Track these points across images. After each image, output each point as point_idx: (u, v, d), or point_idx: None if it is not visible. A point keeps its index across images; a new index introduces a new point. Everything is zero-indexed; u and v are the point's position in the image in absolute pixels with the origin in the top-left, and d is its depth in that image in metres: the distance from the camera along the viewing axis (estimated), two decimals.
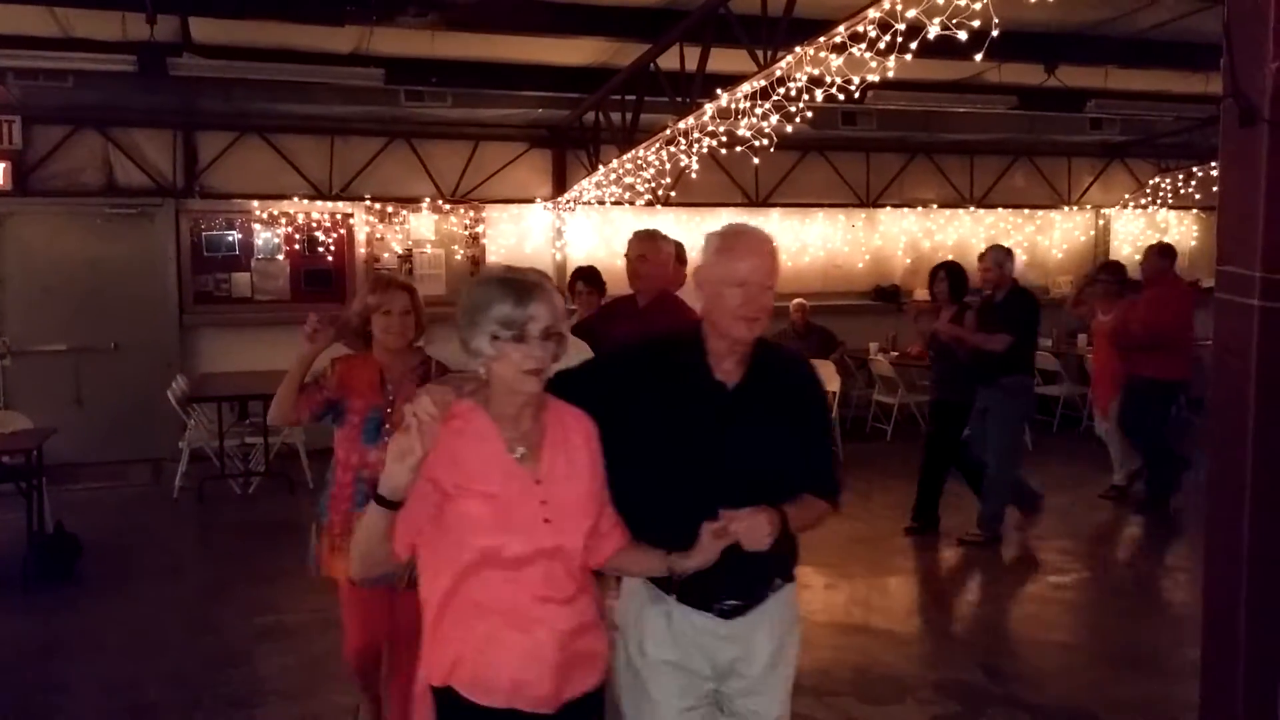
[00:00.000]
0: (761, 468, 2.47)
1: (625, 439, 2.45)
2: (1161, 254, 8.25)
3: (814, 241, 12.27)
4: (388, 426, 3.68)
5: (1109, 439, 8.70)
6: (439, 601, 2.30)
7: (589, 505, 2.37)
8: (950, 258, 8.62)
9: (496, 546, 2.23)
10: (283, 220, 10.55)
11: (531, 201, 11.36)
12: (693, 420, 2.50)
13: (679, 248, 5.57)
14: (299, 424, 3.83)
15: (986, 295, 7.32)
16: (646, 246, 4.98)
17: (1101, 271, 9.00)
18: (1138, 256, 13.27)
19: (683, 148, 7.77)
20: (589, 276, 6.84)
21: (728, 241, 2.54)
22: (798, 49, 5.60)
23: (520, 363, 2.21)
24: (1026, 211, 13.24)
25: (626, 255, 5.03)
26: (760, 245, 2.53)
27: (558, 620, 2.30)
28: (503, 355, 2.22)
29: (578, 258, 10.88)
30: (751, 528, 2.32)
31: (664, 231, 5.18)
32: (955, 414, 7.30)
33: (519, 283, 2.25)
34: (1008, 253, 7.37)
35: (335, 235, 10.72)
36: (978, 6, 4.63)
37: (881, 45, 5.10)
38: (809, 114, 6.36)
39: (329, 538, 3.78)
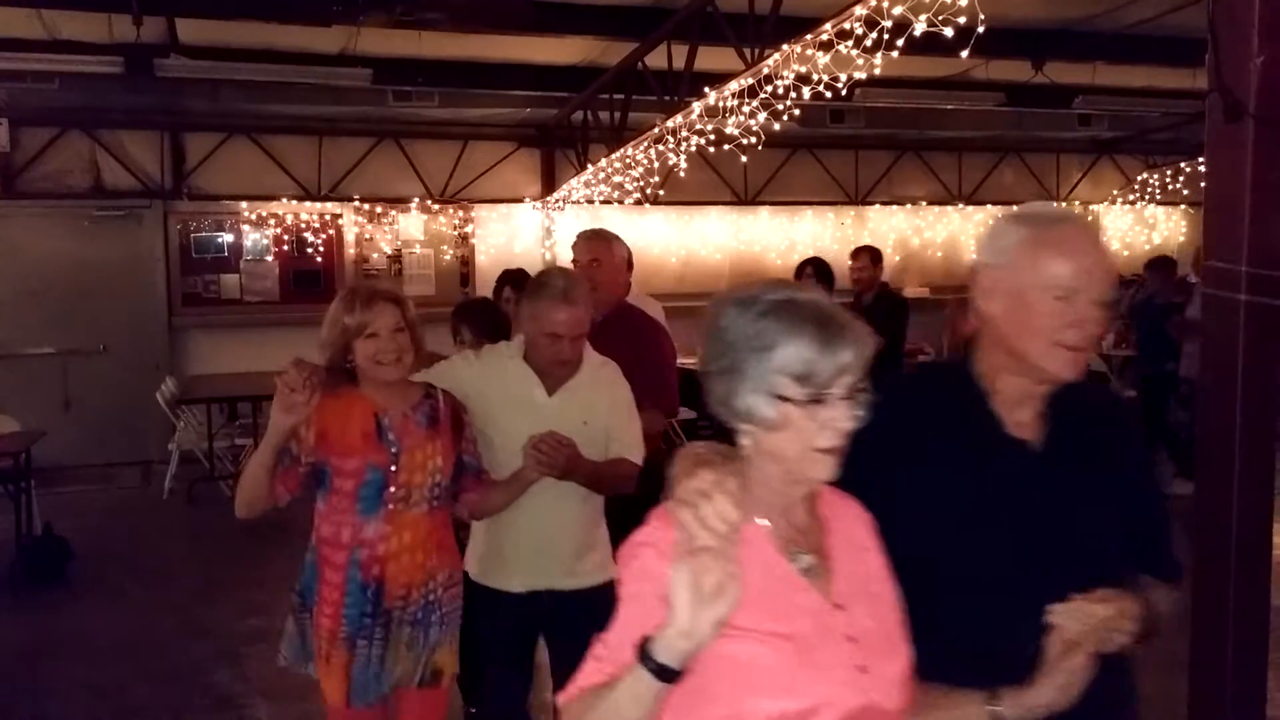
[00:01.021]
0: (1087, 555, 1.73)
1: (884, 529, 1.69)
2: None
3: (803, 240, 12.26)
4: (393, 489, 2.88)
5: None
6: None
7: (901, 638, 1.60)
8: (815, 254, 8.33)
9: (799, 714, 1.45)
10: (271, 221, 10.52)
11: (520, 201, 11.35)
12: (986, 496, 1.77)
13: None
14: (277, 505, 2.89)
15: (855, 297, 7.14)
16: (599, 249, 4.29)
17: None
18: (1125, 253, 13.43)
19: (671, 146, 7.77)
20: (519, 282, 5.27)
21: (1043, 231, 1.77)
22: (785, 47, 5.60)
23: (815, 436, 1.48)
24: (1015, 208, 13.21)
25: (575, 260, 4.32)
26: (1092, 239, 1.78)
27: None
28: (789, 423, 1.47)
29: (568, 258, 10.86)
30: (1120, 615, 1.60)
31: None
32: None
33: (823, 314, 1.49)
34: (879, 254, 7.23)
35: (324, 236, 10.70)
36: (963, 3, 4.64)
37: (868, 42, 5.10)
38: (797, 112, 6.36)
39: (319, 642, 2.93)
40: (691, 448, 1.60)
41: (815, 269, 7.06)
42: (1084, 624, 1.57)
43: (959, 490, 1.78)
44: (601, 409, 3.22)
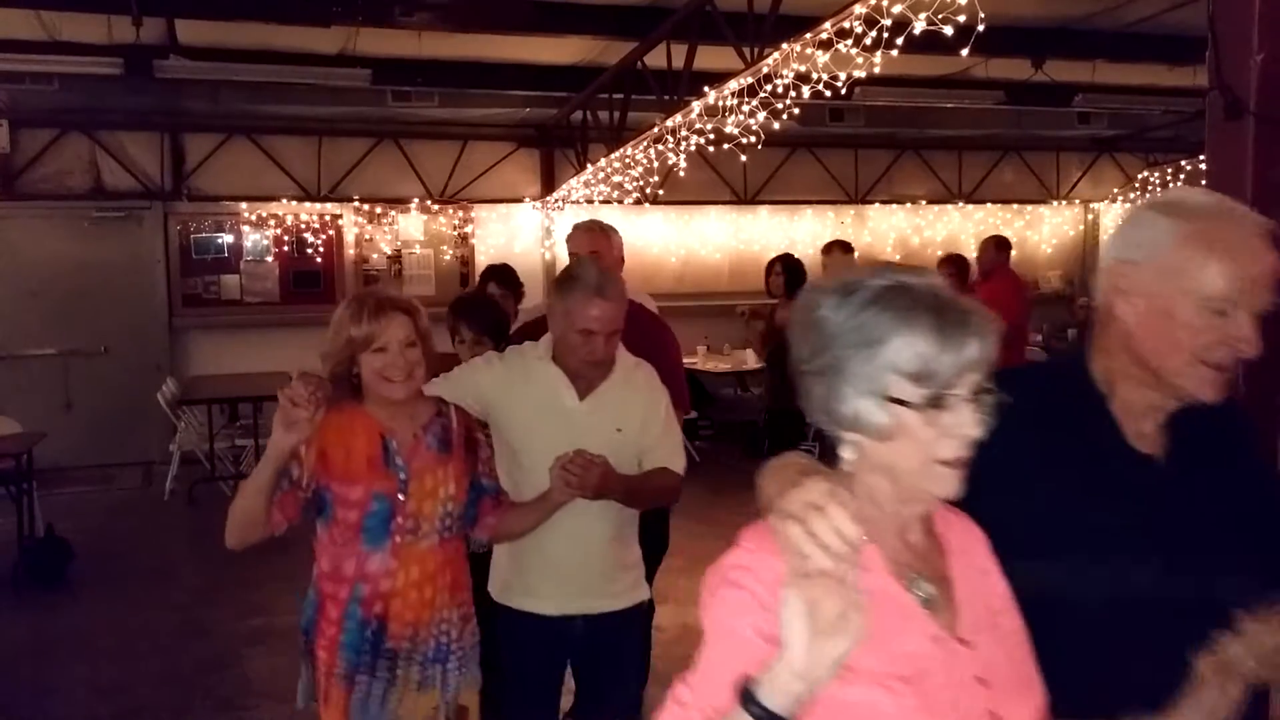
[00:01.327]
0: (1222, 578, 1.51)
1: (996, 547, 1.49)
2: (998, 246, 7.86)
3: (803, 239, 12.23)
4: (400, 520, 2.61)
5: None
6: None
7: (1034, 676, 1.41)
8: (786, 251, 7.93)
9: None
10: (271, 222, 10.52)
11: (520, 201, 11.35)
12: (1111, 515, 1.56)
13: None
14: (274, 534, 2.62)
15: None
16: (598, 240, 4.11)
17: (943, 265, 8.30)
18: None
19: (670, 146, 7.77)
20: (503, 276, 5.43)
21: (1203, 228, 1.50)
22: (784, 46, 5.59)
23: (936, 445, 1.28)
24: (1015, 206, 13.26)
25: (572, 253, 4.14)
26: (1259, 238, 1.51)
27: None
28: (904, 430, 1.27)
29: (567, 258, 10.88)
30: None
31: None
32: (795, 422, 6.31)
33: (940, 301, 1.29)
34: (850, 247, 6.94)
35: (324, 236, 10.70)
36: (963, 1, 4.63)
37: (868, 41, 5.10)
38: (796, 111, 6.36)
39: (318, 677, 2.71)
40: (789, 457, 1.41)
41: (784, 265, 6.88)
42: (1254, 649, 1.39)
43: (1079, 507, 1.57)
44: (637, 414, 2.98)
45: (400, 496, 2.61)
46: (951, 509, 1.43)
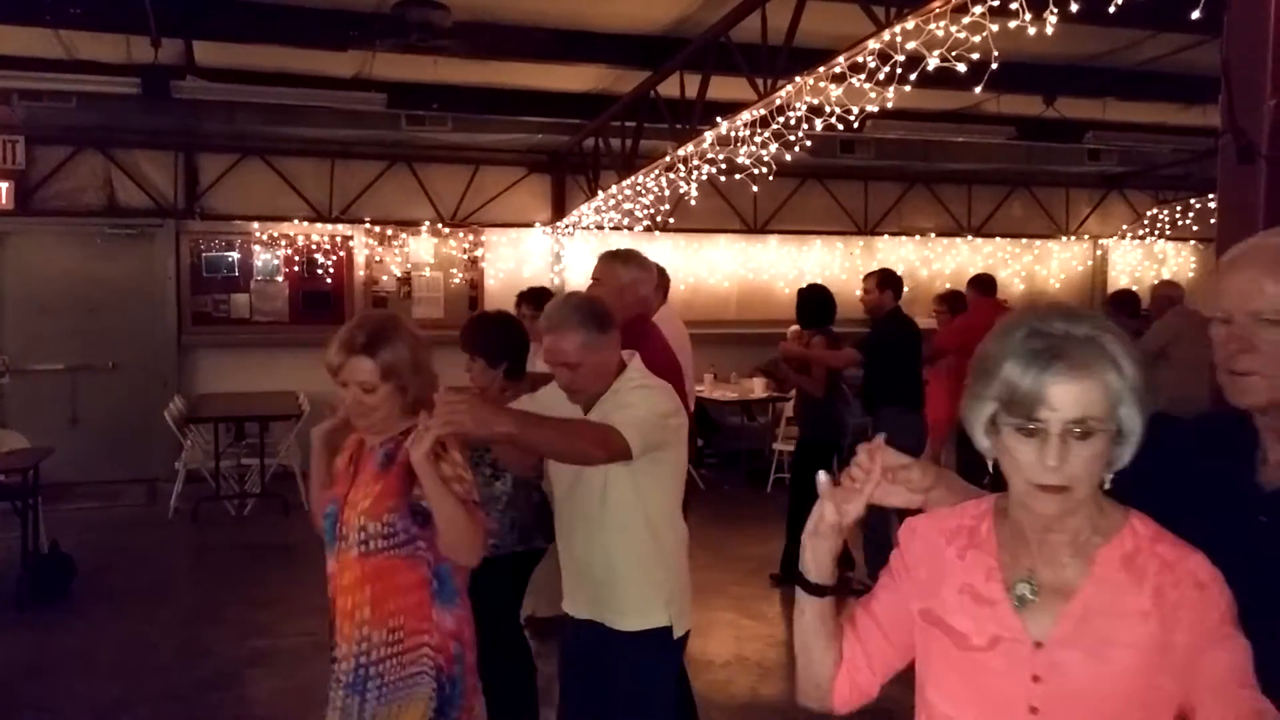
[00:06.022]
0: None
1: None
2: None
3: (811, 269, 12.26)
4: (340, 526, 2.73)
5: None
6: None
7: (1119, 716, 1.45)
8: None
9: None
10: (282, 242, 10.57)
11: (530, 226, 11.39)
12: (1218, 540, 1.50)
13: (660, 272, 4.98)
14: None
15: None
16: (600, 269, 4.21)
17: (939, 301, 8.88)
18: (1134, 288, 13.41)
19: (682, 174, 7.79)
20: (536, 298, 5.84)
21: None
22: (797, 78, 5.62)
23: (1029, 471, 1.43)
24: (1024, 241, 13.27)
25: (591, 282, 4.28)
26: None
27: None
28: (1004, 453, 1.46)
29: (576, 282, 10.92)
30: None
31: (645, 255, 4.25)
32: (821, 453, 6.65)
33: (1040, 335, 1.42)
34: (887, 278, 7.09)
35: (335, 257, 10.74)
36: (977, 39, 4.65)
37: (881, 76, 5.11)
38: (808, 142, 6.38)
39: None
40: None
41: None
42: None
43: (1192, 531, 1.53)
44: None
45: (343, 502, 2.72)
46: (1189, 560, 1.45)
